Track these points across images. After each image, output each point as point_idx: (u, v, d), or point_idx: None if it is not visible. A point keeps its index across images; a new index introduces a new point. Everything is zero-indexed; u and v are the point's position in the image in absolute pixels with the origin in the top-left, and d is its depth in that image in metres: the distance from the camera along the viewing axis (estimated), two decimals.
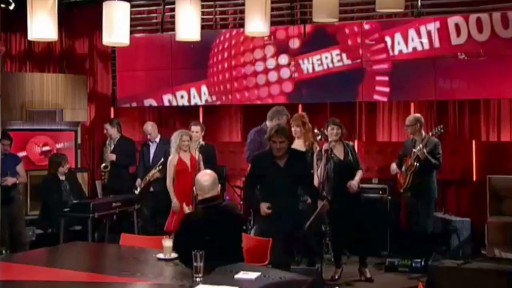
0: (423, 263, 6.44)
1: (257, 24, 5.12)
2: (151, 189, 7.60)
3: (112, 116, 9.06)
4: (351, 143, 6.48)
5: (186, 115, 8.87)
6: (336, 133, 6.21)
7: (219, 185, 4.26)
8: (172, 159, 6.57)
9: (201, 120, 8.62)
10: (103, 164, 7.65)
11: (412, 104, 7.89)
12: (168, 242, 4.04)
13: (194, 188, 4.27)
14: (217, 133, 8.80)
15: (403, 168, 6.60)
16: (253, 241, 4.53)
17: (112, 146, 7.77)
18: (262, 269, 3.69)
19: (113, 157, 7.64)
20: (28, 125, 8.43)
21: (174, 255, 4.01)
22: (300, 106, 8.28)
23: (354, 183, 6.15)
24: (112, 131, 7.81)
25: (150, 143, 7.75)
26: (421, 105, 7.85)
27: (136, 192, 7.44)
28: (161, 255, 4.01)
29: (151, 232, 7.53)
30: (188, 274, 3.57)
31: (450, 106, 7.77)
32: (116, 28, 4.91)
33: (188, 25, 5.14)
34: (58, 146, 8.48)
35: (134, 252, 4.24)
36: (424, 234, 6.62)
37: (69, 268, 3.83)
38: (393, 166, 6.74)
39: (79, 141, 8.72)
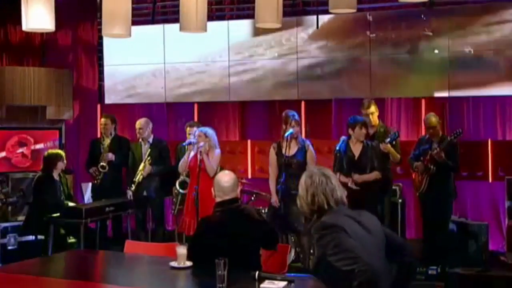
0: (439, 270, 6.48)
1: (269, 15, 5.09)
2: (144, 193, 7.58)
3: (98, 113, 8.99)
4: (373, 143, 6.43)
5: (180, 112, 8.86)
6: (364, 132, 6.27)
7: (239, 188, 4.28)
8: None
9: (196, 118, 8.61)
10: (101, 164, 7.56)
11: (423, 101, 7.95)
12: (182, 250, 4.02)
13: (212, 189, 4.26)
14: None
15: (419, 169, 6.66)
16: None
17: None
18: (285, 277, 3.68)
19: (112, 157, 7.57)
20: (8, 123, 8.33)
21: (188, 263, 3.99)
22: (303, 103, 8.32)
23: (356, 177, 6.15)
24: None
25: (142, 143, 7.70)
26: (433, 103, 7.90)
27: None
28: (174, 264, 4.00)
29: (141, 239, 7.53)
30: (205, 283, 3.56)
31: (463, 103, 7.84)
32: (118, 18, 4.87)
33: (194, 16, 5.08)
34: (41, 146, 8.37)
35: (144, 261, 4.21)
36: (440, 239, 6.68)
37: (76, 279, 3.80)
38: (415, 163, 6.78)
39: (63, 140, 8.61)
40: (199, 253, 4.02)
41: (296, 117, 6.36)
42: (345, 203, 3.30)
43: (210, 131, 6.71)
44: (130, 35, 5.04)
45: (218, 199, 4.22)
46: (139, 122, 7.62)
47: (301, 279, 3.72)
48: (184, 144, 6.96)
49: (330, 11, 5.07)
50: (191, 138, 6.81)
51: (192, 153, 6.65)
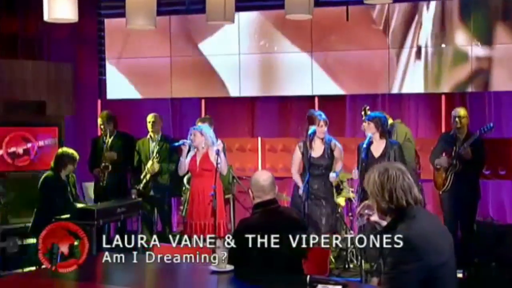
0: (465, 273, 6.47)
1: (299, 6, 5.06)
2: (151, 193, 7.51)
3: (99, 109, 8.89)
4: (396, 142, 6.40)
5: (186, 108, 8.79)
6: (369, 127, 6.23)
7: (276, 187, 4.23)
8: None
9: (203, 114, 8.54)
10: (103, 164, 7.44)
11: (443, 97, 7.95)
12: (222, 252, 3.97)
13: (249, 190, 4.20)
14: (220, 128, 8.68)
15: (441, 166, 6.65)
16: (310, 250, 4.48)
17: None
18: (339, 282, 3.66)
19: (114, 156, 7.47)
20: (5, 120, 8.18)
21: (229, 266, 3.95)
22: (316, 99, 8.29)
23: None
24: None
25: (150, 140, 7.61)
26: (453, 98, 7.91)
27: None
28: (214, 267, 3.95)
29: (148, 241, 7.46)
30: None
31: (485, 98, 7.85)
32: (142, 9, 4.82)
33: (222, 6, 5.03)
34: (40, 143, 8.24)
35: (180, 265, 4.14)
36: (466, 241, 6.67)
37: (114, 284, 3.73)
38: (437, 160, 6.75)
39: (63, 138, 8.49)
40: (240, 255, 3.97)
41: (324, 116, 6.33)
42: (422, 203, 3.17)
43: (205, 129, 6.67)
44: (155, 26, 4.99)
45: (257, 200, 4.15)
46: (153, 115, 7.53)
47: (354, 283, 3.70)
48: (176, 144, 6.85)
49: (365, 2, 5.06)
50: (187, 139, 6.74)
51: (190, 154, 6.61)
